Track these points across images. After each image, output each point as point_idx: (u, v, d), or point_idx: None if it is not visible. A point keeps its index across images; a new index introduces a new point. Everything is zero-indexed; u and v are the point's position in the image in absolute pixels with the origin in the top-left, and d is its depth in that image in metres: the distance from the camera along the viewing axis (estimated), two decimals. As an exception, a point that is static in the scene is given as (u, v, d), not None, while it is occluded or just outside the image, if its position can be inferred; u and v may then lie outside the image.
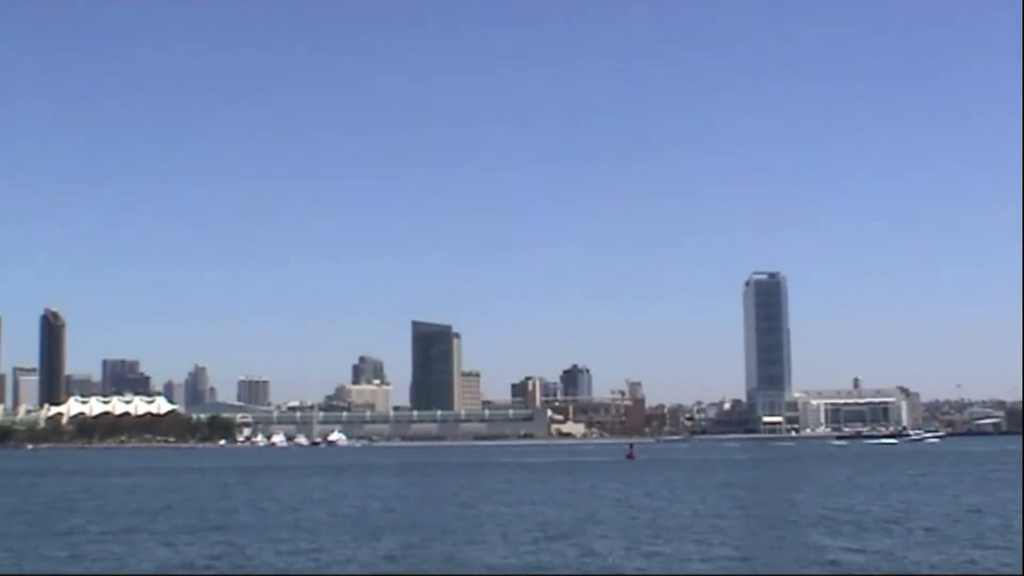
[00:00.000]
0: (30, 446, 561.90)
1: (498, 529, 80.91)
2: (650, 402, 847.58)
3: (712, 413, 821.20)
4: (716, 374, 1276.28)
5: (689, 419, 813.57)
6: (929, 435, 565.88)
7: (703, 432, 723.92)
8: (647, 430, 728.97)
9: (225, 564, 63.08)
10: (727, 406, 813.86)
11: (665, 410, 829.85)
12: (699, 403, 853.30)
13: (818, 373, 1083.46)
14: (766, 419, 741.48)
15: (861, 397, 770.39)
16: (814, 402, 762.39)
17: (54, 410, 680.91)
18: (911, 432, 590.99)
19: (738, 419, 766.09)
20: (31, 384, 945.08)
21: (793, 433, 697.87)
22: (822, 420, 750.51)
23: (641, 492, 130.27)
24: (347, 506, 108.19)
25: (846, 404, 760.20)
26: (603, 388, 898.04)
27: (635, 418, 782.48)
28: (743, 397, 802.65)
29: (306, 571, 60.00)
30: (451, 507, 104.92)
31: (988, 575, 57.01)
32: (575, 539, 73.18)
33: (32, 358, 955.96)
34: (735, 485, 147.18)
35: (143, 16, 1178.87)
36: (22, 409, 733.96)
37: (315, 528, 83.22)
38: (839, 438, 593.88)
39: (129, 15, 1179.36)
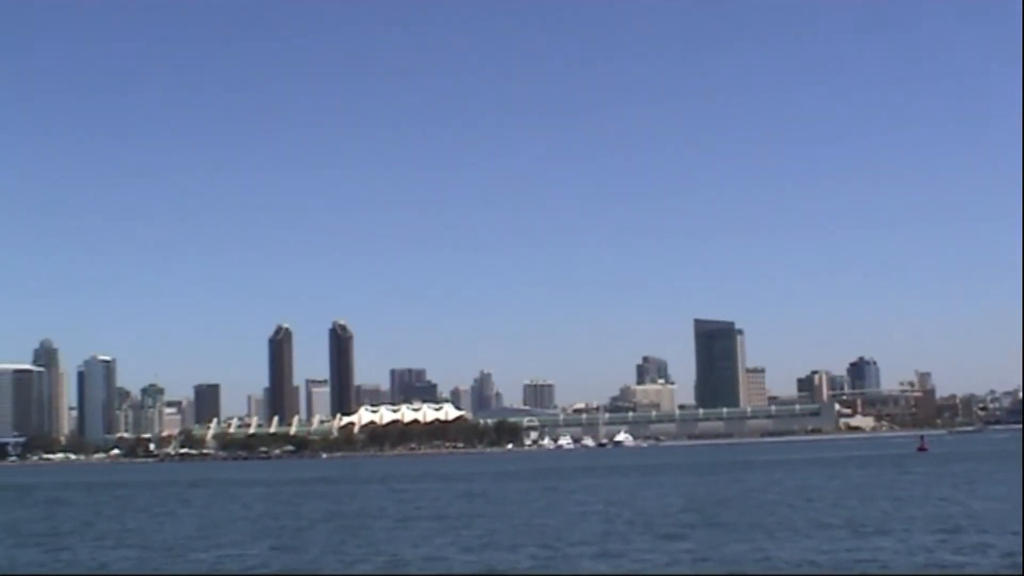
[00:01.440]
0: (324, 455, 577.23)
1: (806, 523, 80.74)
2: (940, 392, 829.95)
3: (1007, 402, 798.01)
4: (1009, 361, 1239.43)
5: (983, 409, 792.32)
6: None
7: (997, 422, 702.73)
8: (938, 422, 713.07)
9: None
10: (1022, 395, 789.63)
11: (957, 400, 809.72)
12: (992, 392, 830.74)
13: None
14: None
15: None
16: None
17: (346, 420, 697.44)
18: None
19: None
20: (323, 395, 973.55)
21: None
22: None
23: (946, 485, 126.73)
24: (681, 506, 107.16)
25: None
26: (891, 379, 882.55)
27: (925, 410, 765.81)
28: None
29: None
30: (764, 504, 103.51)
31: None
32: (877, 535, 72.06)
33: (323, 370, 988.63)
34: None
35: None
36: (316, 419, 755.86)
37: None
38: None
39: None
